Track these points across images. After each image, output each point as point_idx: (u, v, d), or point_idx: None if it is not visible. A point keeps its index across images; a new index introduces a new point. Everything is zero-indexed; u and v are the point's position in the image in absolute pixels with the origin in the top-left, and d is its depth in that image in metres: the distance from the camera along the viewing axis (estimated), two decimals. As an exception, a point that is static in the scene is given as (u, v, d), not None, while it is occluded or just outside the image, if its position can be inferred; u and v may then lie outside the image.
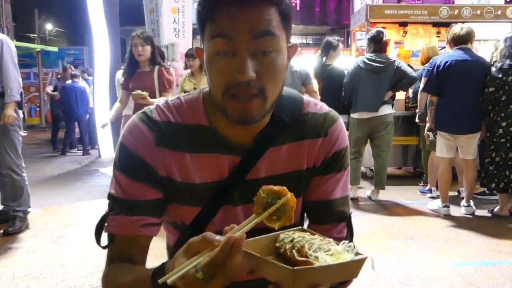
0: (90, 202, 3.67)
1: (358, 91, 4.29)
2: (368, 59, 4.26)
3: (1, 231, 3.44)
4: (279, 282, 0.62)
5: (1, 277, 2.69)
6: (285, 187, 0.67)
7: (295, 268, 0.59)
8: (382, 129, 4.31)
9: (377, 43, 4.28)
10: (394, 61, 4.29)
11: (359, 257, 0.63)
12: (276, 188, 0.67)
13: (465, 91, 3.79)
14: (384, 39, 4.31)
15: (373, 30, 4.47)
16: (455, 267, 2.84)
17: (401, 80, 4.24)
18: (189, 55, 4.77)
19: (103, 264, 0.85)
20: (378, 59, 4.24)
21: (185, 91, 4.38)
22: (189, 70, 4.91)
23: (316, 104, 0.91)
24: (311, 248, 0.63)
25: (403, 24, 6.49)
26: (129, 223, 0.81)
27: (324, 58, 4.76)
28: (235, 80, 0.72)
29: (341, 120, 0.93)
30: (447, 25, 5.27)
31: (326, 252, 0.63)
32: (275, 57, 0.74)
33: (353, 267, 0.63)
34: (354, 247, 0.65)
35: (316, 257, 0.61)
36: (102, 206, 0.86)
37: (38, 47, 14.37)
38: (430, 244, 3.27)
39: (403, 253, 3.08)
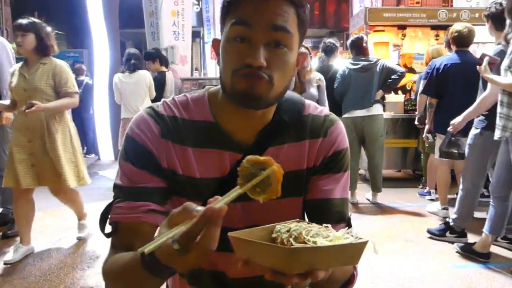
0: (90, 204, 3.65)
1: (349, 91, 4.34)
2: (354, 60, 4.38)
3: (0, 233, 3.44)
4: (275, 266, 0.58)
5: (0, 280, 2.69)
6: (271, 157, 0.65)
7: (292, 247, 0.56)
8: (375, 131, 4.33)
9: (359, 48, 4.39)
10: (379, 59, 4.39)
11: (359, 240, 0.60)
12: (261, 158, 0.64)
13: (464, 94, 3.78)
14: (364, 44, 4.42)
15: (353, 36, 4.57)
16: (454, 270, 2.84)
17: (390, 77, 4.29)
18: (18, 27, 2.90)
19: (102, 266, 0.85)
20: (364, 59, 4.35)
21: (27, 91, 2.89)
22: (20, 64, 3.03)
23: (316, 107, 0.95)
24: (309, 234, 0.60)
25: (402, 27, 6.51)
26: (133, 208, 0.82)
27: (327, 60, 4.80)
28: (247, 64, 0.77)
29: (340, 122, 0.95)
30: (445, 28, 5.27)
31: (325, 238, 0.60)
32: (286, 52, 0.80)
33: (354, 251, 0.60)
34: (354, 232, 0.63)
35: (315, 242, 0.59)
36: (101, 209, 0.86)
37: (37, 49, 14.35)
38: (429, 246, 3.27)
39: (403, 256, 3.08)
